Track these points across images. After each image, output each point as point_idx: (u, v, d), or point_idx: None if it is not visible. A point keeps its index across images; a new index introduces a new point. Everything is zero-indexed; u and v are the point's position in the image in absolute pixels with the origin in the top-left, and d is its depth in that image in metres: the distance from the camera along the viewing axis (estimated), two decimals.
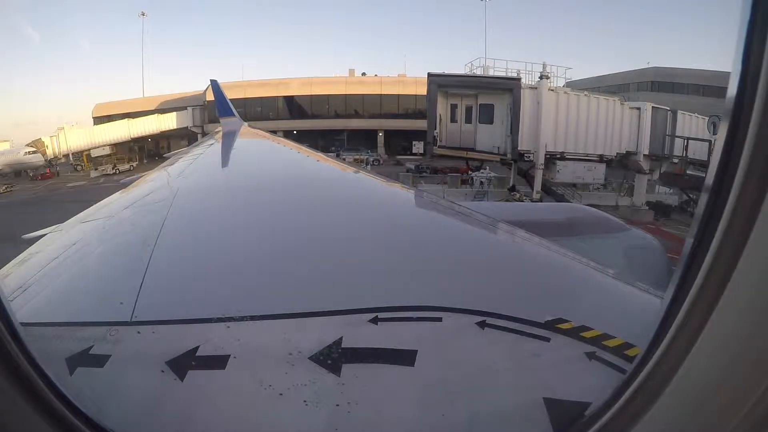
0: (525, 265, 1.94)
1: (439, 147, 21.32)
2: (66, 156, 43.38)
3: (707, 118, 19.64)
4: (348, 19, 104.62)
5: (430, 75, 21.21)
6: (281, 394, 1.03)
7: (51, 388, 0.84)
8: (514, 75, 21.33)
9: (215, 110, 16.77)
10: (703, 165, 18.37)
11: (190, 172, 4.12)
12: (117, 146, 46.72)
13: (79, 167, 44.34)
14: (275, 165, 4.69)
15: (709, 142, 18.34)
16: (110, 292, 1.54)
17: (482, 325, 1.27)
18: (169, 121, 47.10)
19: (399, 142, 47.51)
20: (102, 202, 3.29)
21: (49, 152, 41.61)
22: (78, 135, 43.79)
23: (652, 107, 21.53)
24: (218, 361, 1.13)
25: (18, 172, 41.56)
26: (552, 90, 20.51)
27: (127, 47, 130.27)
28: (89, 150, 44.58)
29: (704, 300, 0.71)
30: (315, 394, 1.03)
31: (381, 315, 1.30)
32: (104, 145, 45.30)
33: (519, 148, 20.22)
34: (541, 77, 20.58)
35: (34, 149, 40.58)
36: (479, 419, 1.00)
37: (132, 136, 46.31)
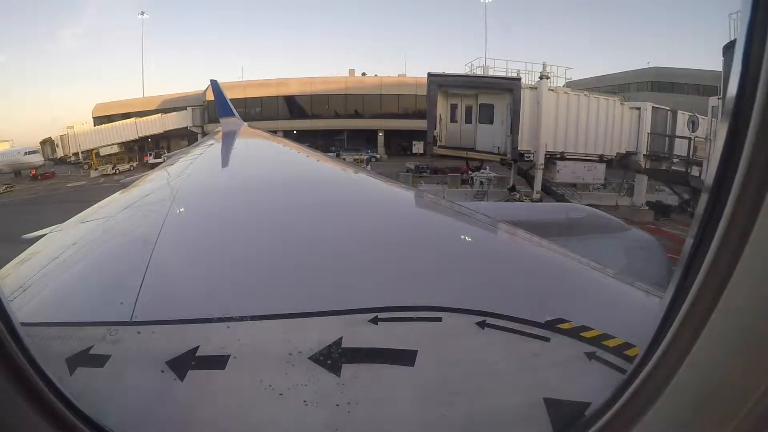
0: (525, 265, 1.94)
1: (439, 147, 21.26)
2: (75, 155, 43.86)
3: (705, 118, 19.72)
4: (348, 19, 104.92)
5: (430, 75, 21.15)
6: (281, 394, 1.03)
7: (51, 388, 0.84)
8: (514, 75, 21.26)
9: (215, 110, 16.78)
10: (689, 162, 18.92)
11: (190, 173, 4.11)
12: (118, 146, 46.99)
13: (87, 165, 44.71)
14: (275, 165, 4.69)
15: (689, 139, 19.33)
16: (110, 292, 1.54)
17: (482, 325, 1.27)
18: (170, 121, 47.22)
19: (399, 142, 47.50)
20: (102, 202, 3.30)
21: (59, 151, 42.21)
22: (87, 134, 44.19)
23: (652, 107, 21.50)
24: (218, 361, 1.13)
25: (18, 172, 41.71)
26: (552, 90, 20.43)
27: (128, 47, 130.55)
28: (98, 149, 45.07)
29: (704, 300, 0.70)
30: (315, 394, 1.03)
31: (381, 315, 1.30)
32: (113, 144, 45.83)
33: (519, 148, 20.13)
34: (541, 77, 20.49)
35: (34, 149, 40.83)
36: (479, 419, 0.99)
37: (139, 135, 46.62)
